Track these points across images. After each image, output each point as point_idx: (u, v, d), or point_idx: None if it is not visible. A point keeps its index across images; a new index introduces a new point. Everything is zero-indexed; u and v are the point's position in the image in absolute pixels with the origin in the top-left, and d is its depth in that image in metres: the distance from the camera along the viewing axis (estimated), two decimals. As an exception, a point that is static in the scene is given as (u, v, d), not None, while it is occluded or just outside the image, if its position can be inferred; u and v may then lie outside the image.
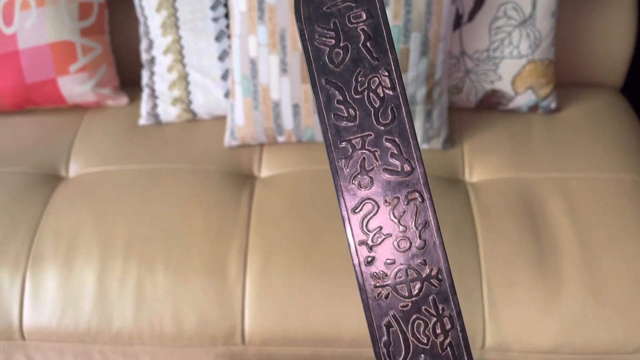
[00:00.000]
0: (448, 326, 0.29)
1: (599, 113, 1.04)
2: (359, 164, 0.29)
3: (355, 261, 0.29)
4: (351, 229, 0.29)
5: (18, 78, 1.01)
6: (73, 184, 0.97)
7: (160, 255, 0.86)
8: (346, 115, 0.29)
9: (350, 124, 0.29)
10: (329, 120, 0.29)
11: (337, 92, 0.28)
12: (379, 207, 0.29)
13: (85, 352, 0.86)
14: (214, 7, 0.99)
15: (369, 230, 0.29)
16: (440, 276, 0.29)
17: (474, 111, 1.05)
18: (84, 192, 0.94)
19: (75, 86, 1.03)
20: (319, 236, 0.87)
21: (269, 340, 0.84)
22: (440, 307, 0.29)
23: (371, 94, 0.28)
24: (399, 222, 0.29)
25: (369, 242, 0.29)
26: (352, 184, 0.29)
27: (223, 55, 1.01)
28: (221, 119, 1.04)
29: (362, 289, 0.29)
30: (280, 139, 0.98)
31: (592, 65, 1.09)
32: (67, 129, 1.05)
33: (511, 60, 0.99)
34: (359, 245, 0.29)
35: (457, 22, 0.97)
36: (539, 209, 0.89)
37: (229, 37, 0.99)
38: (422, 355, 0.29)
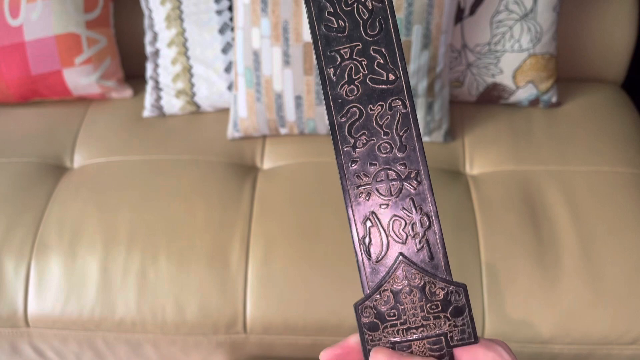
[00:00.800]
0: (425, 225, 0.30)
1: (600, 108, 1.05)
2: (346, 72, 0.30)
3: (341, 162, 0.31)
4: (338, 134, 0.30)
5: (24, 69, 1.02)
6: (77, 175, 0.98)
7: (163, 244, 0.87)
8: (336, 26, 0.30)
9: (339, 34, 0.30)
10: (320, 31, 0.30)
11: (328, 4, 0.30)
12: (364, 113, 0.30)
13: (89, 339, 0.87)
14: (217, 0, 1.00)
15: (354, 135, 0.30)
16: (418, 178, 0.30)
17: (475, 104, 1.06)
18: (88, 183, 0.95)
19: (80, 78, 1.04)
20: (320, 227, 0.87)
21: (270, 328, 0.84)
22: (418, 207, 0.30)
23: (360, 6, 0.30)
24: (382, 127, 0.30)
25: (354, 145, 0.30)
26: (340, 91, 0.30)
27: (226, 48, 1.01)
28: (224, 111, 1.05)
29: (345, 189, 0.30)
30: (283, 130, 0.99)
31: (593, 61, 1.10)
32: (72, 121, 1.06)
33: (512, 54, 0.99)
34: (344, 148, 0.30)
35: (459, 16, 0.98)
36: (539, 201, 0.90)
37: (232, 29, 1.00)
38: (399, 252, 0.30)
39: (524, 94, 1.03)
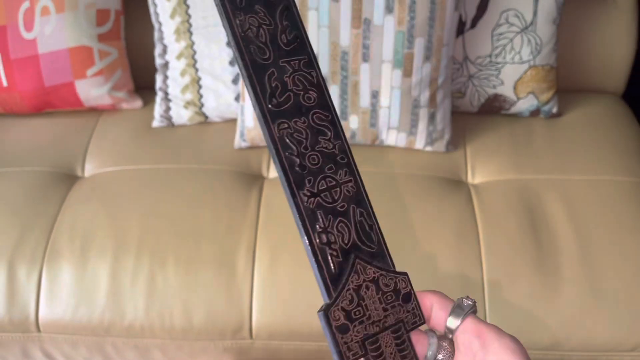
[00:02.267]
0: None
1: (600, 118, 1.06)
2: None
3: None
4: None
5: (37, 81, 1.05)
6: (88, 183, 1.00)
7: (171, 251, 0.89)
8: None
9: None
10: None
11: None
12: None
13: (98, 344, 0.89)
14: (225, 14, 1.02)
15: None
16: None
17: (476, 115, 1.08)
18: (99, 191, 0.97)
19: (91, 89, 1.07)
20: (325, 234, 0.89)
21: (276, 334, 0.86)
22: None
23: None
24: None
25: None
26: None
27: (234, 60, 1.04)
28: (232, 122, 1.08)
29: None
30: (288, 140, 1.01)
31: (593, 72, 1.12)
32: (83, 131, 1.09)
33: (513, 66, 1.01)
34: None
35: (461, 29, 1.00)
36: (540, 210, 0.91)
37: (239, 42, 1.03)
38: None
39: (524, 104, 1.05)
